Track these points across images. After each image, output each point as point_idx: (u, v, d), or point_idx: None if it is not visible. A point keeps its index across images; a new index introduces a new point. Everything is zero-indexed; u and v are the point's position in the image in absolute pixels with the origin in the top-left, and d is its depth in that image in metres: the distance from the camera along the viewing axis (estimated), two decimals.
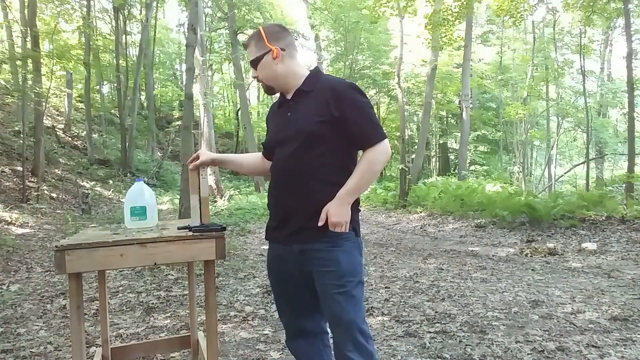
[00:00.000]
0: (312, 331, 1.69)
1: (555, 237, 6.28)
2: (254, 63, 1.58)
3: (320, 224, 1.47)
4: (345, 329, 1.48)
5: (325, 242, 1.51)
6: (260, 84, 1.61)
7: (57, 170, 11.71)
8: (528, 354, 2.51)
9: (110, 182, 13.01)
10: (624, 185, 10.46)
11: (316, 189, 1.51)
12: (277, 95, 1.69)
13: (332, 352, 1.63)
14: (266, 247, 6.45)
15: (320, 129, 1.49)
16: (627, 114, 10.16)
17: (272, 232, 1.66)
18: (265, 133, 1.77)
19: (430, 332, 2.89)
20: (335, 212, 1.46)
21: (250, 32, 20.13)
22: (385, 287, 4.07)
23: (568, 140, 23.57)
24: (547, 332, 2.83)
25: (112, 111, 18.87)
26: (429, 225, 8.62)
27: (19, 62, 10.35)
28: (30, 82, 9.53)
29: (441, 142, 22.77)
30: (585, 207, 7.20)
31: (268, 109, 1.81)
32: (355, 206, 1.56)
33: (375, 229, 8.56)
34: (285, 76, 1.58)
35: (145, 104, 21.43)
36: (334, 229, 1.46)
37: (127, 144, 15.11)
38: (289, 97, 1.61)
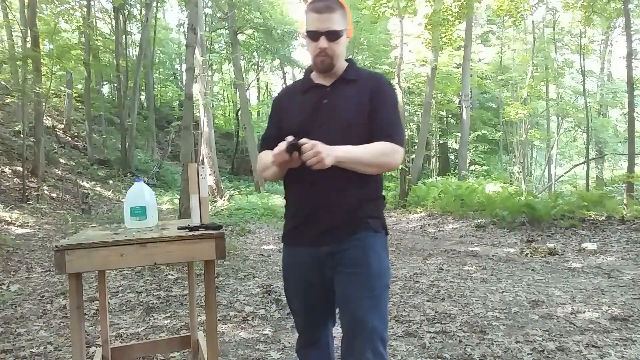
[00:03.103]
0: (324, 341, 1.61)
1: (555, 237, 6.28)
2: (337, 35, 1.41)
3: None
4: (367, 336, 1.39)
5: (356, 241, 1.42)
6: (320, 59, 1.43)
7: (57, 170, 11.71)
8: (528, 354, 2.51)
9: (110, 182, 13.01)
10: (624, 185, 10.45)
11: (351, 185, 1.40)
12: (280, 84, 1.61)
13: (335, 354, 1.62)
14: (266, 247, 6.47)
15: (362, 119, 1.42)
16: (627, 114, 10.15)
17: (294, 233, 1.52)
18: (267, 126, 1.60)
19: (430, 332, 2.89)
20: (320, 148, 1.26)
21: (250, 32, 20.23)
22: None
23: (568, 140, 23.56)
24: (547, 332, 2.83)
25: (112, 111, 18.87)
26: (429, 225, 8.62)
27: (19, 62, 10.34)
28: (30, 82, 9.52)
29: (441, 142, 22.77)
30: (585, 207, 7.20)
31: (276, 97, 1.65)
32: (382, 202, 1.51)
33: None
34: (342, 59, 1.49)
35: (145, 104, 21.44)
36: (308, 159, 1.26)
37: (127, 144, 15.11)
38: (326, 83, 1.49)
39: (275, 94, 1.68)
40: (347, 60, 1.53)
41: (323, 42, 1.41)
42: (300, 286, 1.54)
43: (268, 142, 1.52)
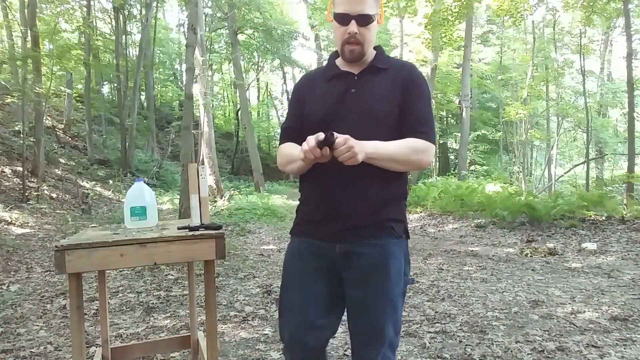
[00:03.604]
0: (320, 350, 1.43)
1: (555, 237, 6.28)
2: (369, 19, 1.30)
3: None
4: (381, 346, 1.34)
5: (376, 247, 1.33)
6: (350, 48, 1.32)
7: (57, 170, 11.71)
8: (528, 354, 2.51)
9: (110, 182, 13.01)
10: (624, 185, 10.46)
11: (376, 182, 1.32)
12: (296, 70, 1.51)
13: None
14: (266, 247, 6.47)
15: (392, 112, 1.32)
16: (627, 114, 10.16)
17: (309, 226, 1.40)
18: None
19: (430, 332, 2.89)
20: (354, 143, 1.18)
21: (250, 32, 20.23)
22: None
23: (568, 140, 23.57)
24: (547, 332, 2.83)
25: (112, 111, 18.88)
26: (429, 225, 8.62)
27: (19, 62, 10.34)
28: (30, 82, 9.53)
29: (441, 142, 22.75)
30: (585, 207, 7.20)
31: (297, 83, 1.52)
32: (405, 202, 1.43)
33: None
34: (372, 47, 1.37)
35: (145, 104, 21.45)
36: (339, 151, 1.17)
37: (127, 144, 15.11)
38: (354, 70, 1.38)
39: (296, 81, 1.53)
40: (375, 47, 1.42)
41: (353, 27, 1.29)
42: (306, 276, 1.38)
43: (288, 133, 1.44)
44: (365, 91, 1.34)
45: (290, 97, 1.53)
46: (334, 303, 1.39)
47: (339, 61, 1.42)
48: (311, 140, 1.18)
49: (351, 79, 1.37)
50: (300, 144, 1.27)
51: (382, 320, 1.33)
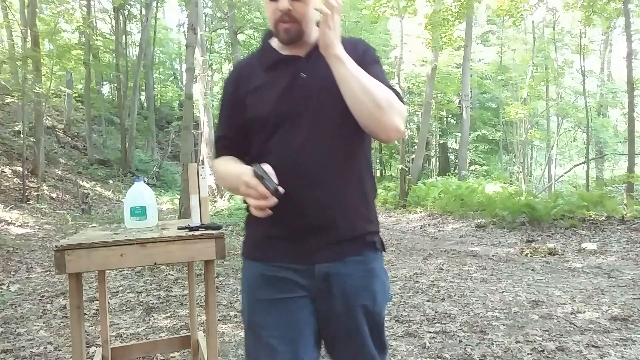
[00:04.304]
0: None
1: (555, 237, 6.28)
2: None
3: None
4: None
5: (357, 263, 1.11)
6: (284, 27, 1.06)
7: (57, 170, 11.72)
8: (528, 354, 2.51)
9: (110, 182, 13.02)
10: (624, 185, 10.46)
11: (349, 187, 1.10)
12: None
13: None
14: None
15: None
16: (627, 114, 10.16)
17: (277, 245, 1.11)
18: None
19: (430, 332, 2.89)
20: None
21: (250, 32, 20.22)
22: None
23: (568, 140, 23.56)
24: (547, 332, 2.83)
25: (112, 111, 18.89)
26: (429, 225, 8.62)
27: (19, 62, 10.35)
28: (30, 82, 9.54)
29: (441, 142, 22.77)
30: (585, 207, 7.20)
31: (228, 80, 1.20)
32: (376, 215, 1.21)
33: None
34: (313, 24, 1.09)
35: (145, 104, 21.46)
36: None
37: (127, 144, 15.13)
38: (299, 52, 1.10)
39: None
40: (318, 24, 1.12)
41: (284, 3, 1.03)
42: (288, 311, 1.10)
43: (221, 145, 1.20)
44: (320, 74, 1.05)
45: (221, 97, 1.23)
46: (318, 337, 1.15)
47: (276, 43, 1.14)
48: (264, 192, 0.95)
49: (298, 62, 1.10)
50: (237, 154, 1.13)
51: (369, 343, 1.15)
